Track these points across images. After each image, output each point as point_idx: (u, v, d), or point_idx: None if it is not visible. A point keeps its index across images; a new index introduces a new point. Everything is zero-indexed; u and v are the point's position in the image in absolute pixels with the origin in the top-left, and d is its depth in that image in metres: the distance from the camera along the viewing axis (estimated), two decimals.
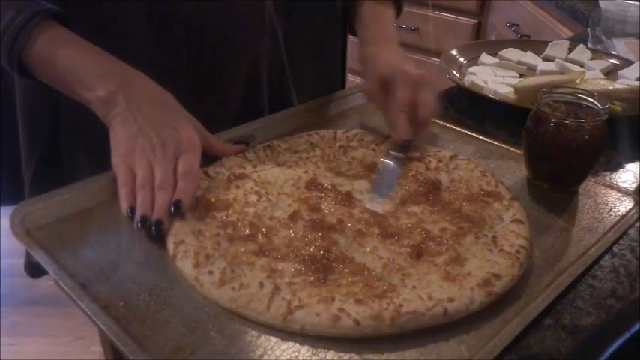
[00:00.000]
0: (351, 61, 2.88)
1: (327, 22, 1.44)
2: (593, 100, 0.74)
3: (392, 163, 0.76)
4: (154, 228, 0.63)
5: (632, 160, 0.86)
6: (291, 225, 0.65)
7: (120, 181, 0.66)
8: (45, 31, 0.72)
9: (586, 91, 0.76)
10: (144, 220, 0.63)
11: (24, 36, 0.70)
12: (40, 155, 0.92)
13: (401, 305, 0.53)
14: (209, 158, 0.75)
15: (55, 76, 0.73)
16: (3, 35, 0.71)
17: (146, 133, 0.68)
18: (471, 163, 0.77)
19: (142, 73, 0.73)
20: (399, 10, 1.00)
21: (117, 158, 0.68)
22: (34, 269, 0.95)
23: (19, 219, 0.65)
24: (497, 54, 1.18)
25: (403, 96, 0.79)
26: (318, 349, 0.52)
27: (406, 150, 0.79)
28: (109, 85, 0.70)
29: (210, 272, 0.57)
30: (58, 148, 0.92)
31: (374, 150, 0.81)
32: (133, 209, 0.64)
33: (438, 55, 1.43)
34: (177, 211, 0.64)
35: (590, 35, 1.42)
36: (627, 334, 0.53)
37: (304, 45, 1.30)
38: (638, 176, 0.82)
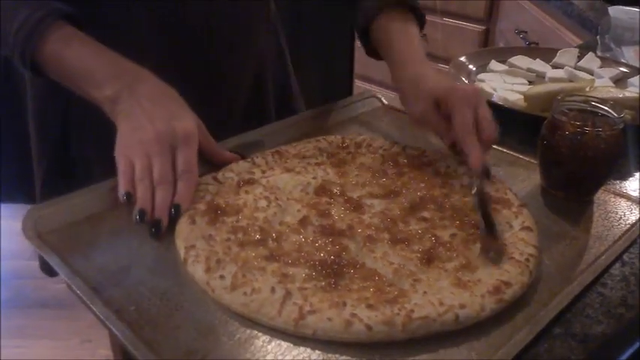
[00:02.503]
0: (358, 66, 2.89)
1: (335, 28, 1.45)
2: (607, 109, 0.74)
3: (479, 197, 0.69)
4: (153, 229, 0.64)
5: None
6: (301, 230, 0.65)
7: (119, 170, 0.68)
8: (56, 30, 0.73)
9: (599, 99, 0.76)
10: (142, 213, 0.65)
11: (36, 36, 0.72)
12: (51, 154, 0.93)
13: (412, 311, 0.53)
14: (212, 164, 0.75)
15: (65, 74, 0.75)
16: (16, 35, 0.72)
17: (144, 126, 0.69)
18: None
19: (147, 71, 0.74)
20: (421, 24, 0.92)
21: (117, 151, 0.70)
22: (50, 268, 0.96)
23: (31, 222, 0.66)
24: (506, 61, 1.18)
25: (466, 116, 0.73)
26: (330, 354, 0.52)
27: (488, 174, 0.73)
28: (115, 84, 0.72)
29: (222, 277, 0.57)
30: (69, 147, 0.93)
31: (382, 155, 0.81)
32: (129, 195, 0.66)
33: (445, 61, 1.43)
34: (176, 213, 0.65)
35: (599, 43, 1.42)
36: (638, 344, 0.53)
37: (312, 51, 1.31)
38: None
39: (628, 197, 0.78)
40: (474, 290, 0.57)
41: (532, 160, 0.83)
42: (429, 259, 0.61)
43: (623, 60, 1.28)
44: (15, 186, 1.00)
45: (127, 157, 0.68)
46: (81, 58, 0.74)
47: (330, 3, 1.19)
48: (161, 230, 0.65)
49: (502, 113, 0.97)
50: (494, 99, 1.01)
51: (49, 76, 0.76)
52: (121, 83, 0.72)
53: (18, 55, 0.74)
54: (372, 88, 2.66)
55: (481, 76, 1.12)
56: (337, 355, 0.52)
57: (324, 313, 0.53)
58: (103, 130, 0.75)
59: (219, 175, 0.73)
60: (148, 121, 0.69)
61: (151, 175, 0.67)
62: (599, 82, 1.10)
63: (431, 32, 2.55)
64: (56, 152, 0.93)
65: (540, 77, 1.15)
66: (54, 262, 0.61)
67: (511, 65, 1.17)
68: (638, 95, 1.00)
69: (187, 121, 0.71)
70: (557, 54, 1.22)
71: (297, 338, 0.53)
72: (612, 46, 1.38)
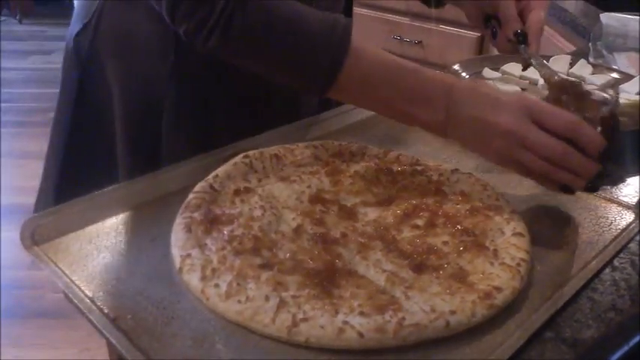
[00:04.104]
0: None
1: None
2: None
3: None
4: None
5: (632, 174, 0.87)
6: (296, 239, 0.66)
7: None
8: (360, 48, 0.73)
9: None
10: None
11: (344, 54, 0.71)
12: (141, 167, 0.92)
13: (404, 318, 0.54)
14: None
15: (377, 95, 0.75)
16: (327, 51, 0.71)
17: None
18: (472, 176, 0.78)
19: (463, 85, 0.76)
20: None
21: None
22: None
23: (29, 232, 0.66)
24: (499, 68, 1.19)
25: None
26: None
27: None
28: (441, 105, 0.72)
29: (217, 285, 0.58)
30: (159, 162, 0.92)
31: (376, 164, 0.82)
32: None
33: (441, 68, 1.44)
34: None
35: (591, 49, 1.43)
36: (626, 347, 0.54)
37: None
38: (638, 190, 0.83)
39: (619, 203, 0.79)
40: (465, 296, 0.58)
41: None
42: (420, 266, 0.62)
43: (614, 66, 1.30)
44: None
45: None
46: (397, 84, 0.73)
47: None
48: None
49: None
50: None
51: (336, 95, 0.76)
52: (445, 102, 0.72)
53: (322, 80, 0.73)
54: None
55: None
56: None
57: (316, 321, 0.54)
58: (193, 147, 0.79)
59: (216, 183, 0.74)
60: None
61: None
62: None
63: (427, 39, 2.57)
64: (147, 166, 0.91)
65: (533, 84, 1.16)
66: (51, 271, 0.61)
67: (504, 72, 1.18)
68: (629, 101, 1.01)
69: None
70: (550, 61, 1.23)
71: (291, 346, 0.54)
72: (604, 52, 1.39)
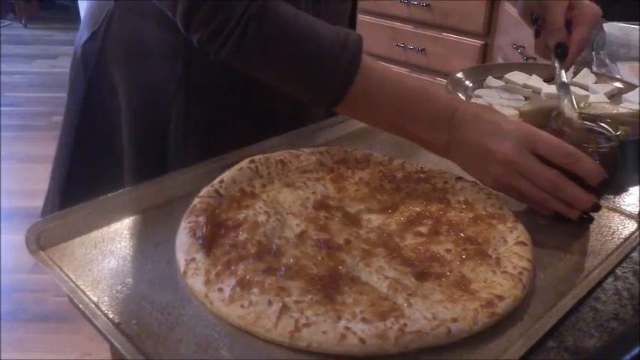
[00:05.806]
0: None
1: None
2: (603, 125, 0.76)
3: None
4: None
5: (635, 184, 0.87)
6: (300, 244, 0.67)
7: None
8: (369, 66, 0.75)
9: (596, 115, 0.78)
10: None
11: (355, 70, 0.73)
12: (149, 173, 0.93)
13: (405, 325, 0.55)
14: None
15: (382, 112, 0.77)
16: (333, 75, 0.73)
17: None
18: (476, 185, 0.78)
19: (468, 109, 0.75)
20: None
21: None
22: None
23: (34, 236, 0.67)
24: (503, 77, 1.20)
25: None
26: None
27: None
28: (444, 127, 0.74)
29: (220, 290, 0.59)
30: (166, 166, 0.93)
31: (381, 171, 0.82)
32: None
33: (444, 75, 1.45)
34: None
35: (594, 59, 1.43)
36: (628, 357, 0.54)
37: None
38: None
39: (621, 212, 0.79)
40: (466, 304, 0.58)
41: None
42: (423, 274, 0.62)
43: (617, 76, 1.30)
44: None
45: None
46: (403, 104, 0.75)
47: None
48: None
49: None
50: None
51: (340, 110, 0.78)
52: (449, 125, 0.74)
53: (331, 95, 0.75)
54: None
55: (478, 92, 1.13)
56: None
57: (319, 327, 0.54)
58: (200, 154, 0.80)
59: (222, 188, 0.74)
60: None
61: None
62: (594, 98, 1.11)
63: (431, 47, 2.58)
64: (154, 171, 0.93)
65: (536, 93, 1.16)
66: (56, 276, 0.62)
67: (507, 81, 1.19)
68: (632, 111, 1.02)
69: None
70: None
71: (293, 351, 0.54)
72: (607, 61, 1.40)
